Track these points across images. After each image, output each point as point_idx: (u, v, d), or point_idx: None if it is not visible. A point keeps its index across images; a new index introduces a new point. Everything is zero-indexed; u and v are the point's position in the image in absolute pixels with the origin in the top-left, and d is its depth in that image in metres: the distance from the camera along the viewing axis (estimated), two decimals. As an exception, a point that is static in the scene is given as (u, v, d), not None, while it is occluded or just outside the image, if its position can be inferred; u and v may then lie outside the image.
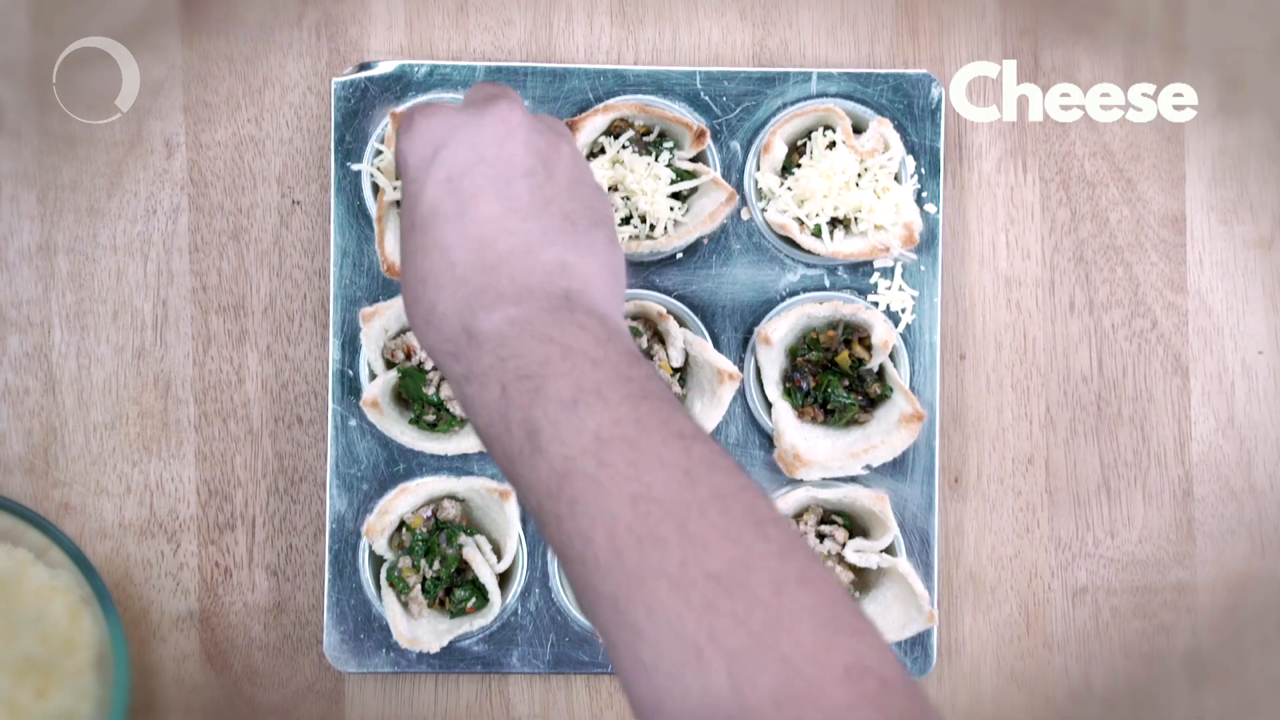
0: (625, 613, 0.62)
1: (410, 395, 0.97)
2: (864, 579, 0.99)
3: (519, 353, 0.68)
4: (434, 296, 0.72)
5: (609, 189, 0.97)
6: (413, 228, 0.74)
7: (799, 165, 0.98)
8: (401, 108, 0.98)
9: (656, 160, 0.98)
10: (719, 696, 0.59)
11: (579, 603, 0.70)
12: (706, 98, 1.00)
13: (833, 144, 0.98)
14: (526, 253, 0.71)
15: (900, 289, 0.99)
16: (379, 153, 0.98)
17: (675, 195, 0.98)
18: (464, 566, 0.98)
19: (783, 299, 1.00)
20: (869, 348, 0.97)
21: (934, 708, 0.61)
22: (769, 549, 0.62)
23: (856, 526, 1.00)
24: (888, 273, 1.00)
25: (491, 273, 0.71)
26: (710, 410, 0.97)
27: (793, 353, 0.99)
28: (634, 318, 0.99)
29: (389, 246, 0.96)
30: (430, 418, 0.97)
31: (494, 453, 0.70)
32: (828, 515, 0.99)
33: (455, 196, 0.72)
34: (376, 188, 0.98)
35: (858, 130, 0.99)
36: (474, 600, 0.98)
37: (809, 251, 0.98)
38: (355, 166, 0.99)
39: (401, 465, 0.99)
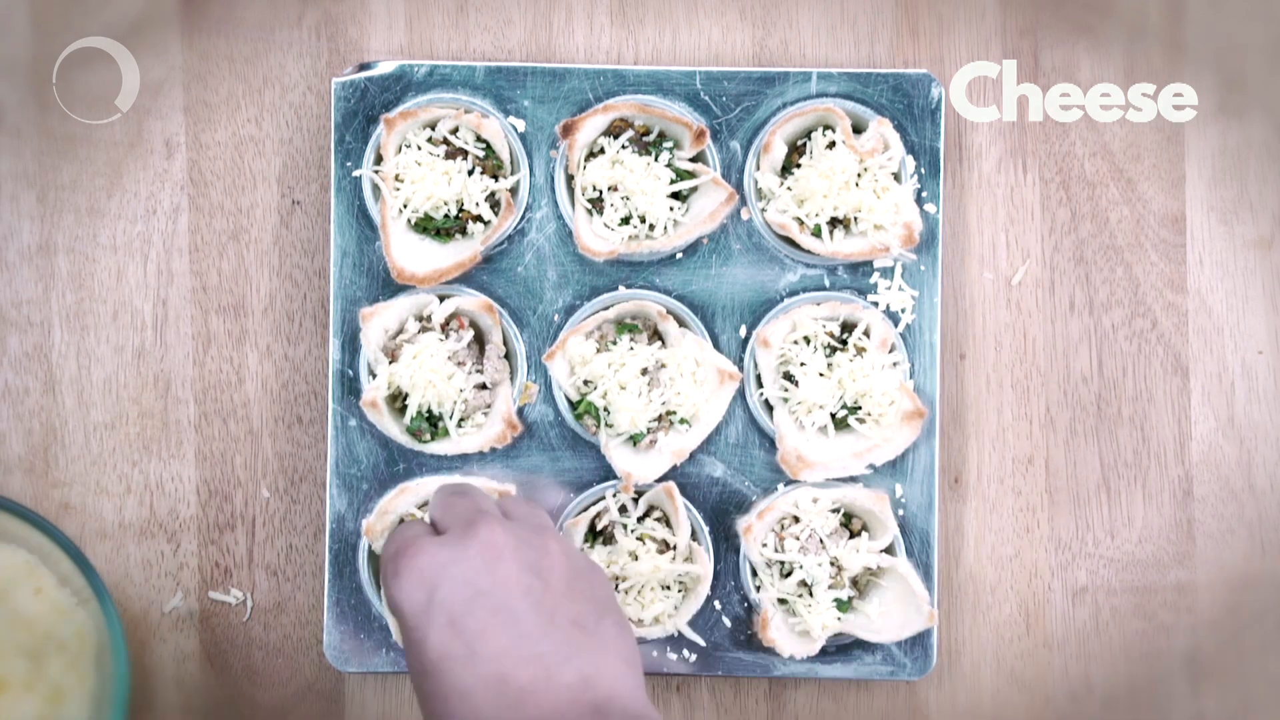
0: None
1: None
2: (863, 579, 0.99)
3: None
4: None
5: (609, 189, 0.97)
6: (425, 673, 0.74)
7: (799, 165, 0.98)
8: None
9: (656, 160, 0.98)
10: None
11: None
12: (706, 98, 1.00)
13: (833, 144, 0.98)
14: (547, 680, 0.72)
15: (900, 289, 0.99)
16: (379, 159, 0.98)
17: (675, 195, 0.98)
18: (464, 566, 0.98)
19: (782, 299, 1.00)
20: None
21: None
22: None
23: (856, 526, 1.00)
24: (888, 273, 1.00)
25: (517, 709, 0.71)
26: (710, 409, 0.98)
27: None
28: (633, 317, 0.99)
29: (396, 252, 0.96)
30: (427, 436, 0.98)
31: None
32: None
33: (462, 638, 0.73)
34: (377, 190, 0.98)
35: (858, 130, 0.99)
36: (474, 600, 0.98)
37: (809, 251, 0.98)
38: (356, 172, 0.99)
39: (401, 465, 0.99)
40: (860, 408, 0.97)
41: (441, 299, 0.98)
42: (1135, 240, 1.03)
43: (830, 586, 0.97)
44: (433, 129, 0.98)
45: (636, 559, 0.97)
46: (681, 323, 0.99)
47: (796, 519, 0.98)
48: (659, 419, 0.98)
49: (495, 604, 0.74)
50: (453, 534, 0.77)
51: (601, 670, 0.74)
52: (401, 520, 0.98)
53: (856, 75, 1.00)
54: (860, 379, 0.97)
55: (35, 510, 0.98)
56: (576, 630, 0.75)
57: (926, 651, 0.99)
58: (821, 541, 0.98)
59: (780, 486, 0.99)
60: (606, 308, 0.99)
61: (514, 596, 0.74)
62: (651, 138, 0.99)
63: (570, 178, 0.99)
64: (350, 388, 0.99)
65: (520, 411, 0.99)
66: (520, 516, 0.80)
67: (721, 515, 1.00)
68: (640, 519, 0.99)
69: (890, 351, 0.98)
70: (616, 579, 0.97)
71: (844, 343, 0.99)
